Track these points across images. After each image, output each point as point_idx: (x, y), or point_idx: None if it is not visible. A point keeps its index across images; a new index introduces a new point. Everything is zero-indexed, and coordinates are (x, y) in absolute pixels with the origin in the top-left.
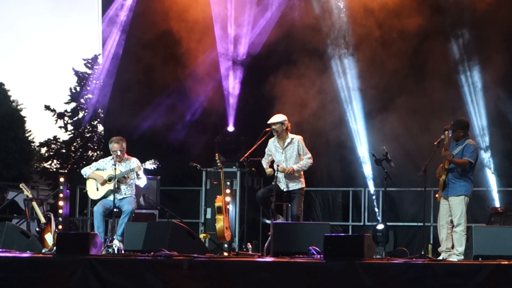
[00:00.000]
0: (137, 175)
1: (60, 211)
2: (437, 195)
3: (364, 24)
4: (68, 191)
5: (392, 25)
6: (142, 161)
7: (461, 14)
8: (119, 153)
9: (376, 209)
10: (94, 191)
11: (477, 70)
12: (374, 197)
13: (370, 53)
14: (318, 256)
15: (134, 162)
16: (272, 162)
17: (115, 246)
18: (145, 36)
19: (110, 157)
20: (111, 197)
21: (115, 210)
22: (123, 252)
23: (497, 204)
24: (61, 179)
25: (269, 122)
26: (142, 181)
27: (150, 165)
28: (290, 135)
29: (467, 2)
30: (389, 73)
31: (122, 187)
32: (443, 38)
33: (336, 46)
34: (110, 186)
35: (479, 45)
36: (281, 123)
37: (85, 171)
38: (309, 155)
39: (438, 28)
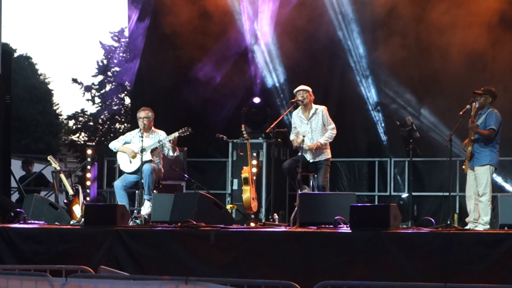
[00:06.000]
0: (169, 146)
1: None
2: (463, 166)
3: None
4: (96, 163)
5: None
6: (172, 131)
7: None
8: (145, 121)
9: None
10: (127, 164)
11: None
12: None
13: None
14: (345, 226)
15: (161, 134)
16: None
17: (144, 214)
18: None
19: (137, 130)
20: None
21: (142, 181)
22: (150, 221)
23: None
24: (89, 152)
25: (296, 90)
26: (174, 151)
27: (183, 132)
28: (314, 106)
29: None
30: None
31: (154, 158)
32: None
33: None
34: (143, 157)
35: None
36: (307, 91)
37: (114, 144)
38: (333, 125)
39: None
